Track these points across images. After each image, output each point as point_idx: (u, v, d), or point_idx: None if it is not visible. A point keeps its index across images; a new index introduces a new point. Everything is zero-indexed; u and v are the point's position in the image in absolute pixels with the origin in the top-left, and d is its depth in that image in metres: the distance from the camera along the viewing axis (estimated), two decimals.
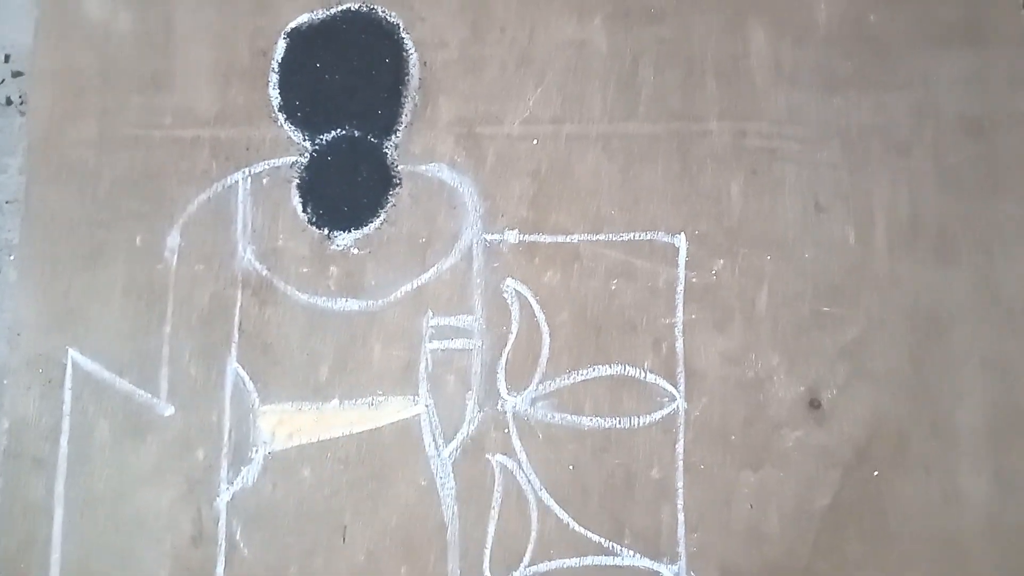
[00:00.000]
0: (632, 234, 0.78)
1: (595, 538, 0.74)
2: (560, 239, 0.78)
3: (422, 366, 0.76)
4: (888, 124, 0.79)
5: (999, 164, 0.78)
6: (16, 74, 0.84)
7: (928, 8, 0.80)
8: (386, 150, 0.80)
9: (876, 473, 0.74)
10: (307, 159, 0.80)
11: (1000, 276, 0.76)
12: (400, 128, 0.80)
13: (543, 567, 0.73)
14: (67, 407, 0.77)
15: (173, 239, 0.79)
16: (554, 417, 0.76)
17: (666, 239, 0.78)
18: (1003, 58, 0.79)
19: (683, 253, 0.77)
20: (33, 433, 0.76)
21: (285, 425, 0.76)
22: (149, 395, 0.77)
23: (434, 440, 0.75)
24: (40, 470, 0.76)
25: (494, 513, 0.74)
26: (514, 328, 0.77)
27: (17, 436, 0.76)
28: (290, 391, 0.77)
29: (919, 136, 0.78)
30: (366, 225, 0.79)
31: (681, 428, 0.75)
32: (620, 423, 0.75)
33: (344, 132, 0.80)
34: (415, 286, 0.78)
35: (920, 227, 0.77)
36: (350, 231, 0.79)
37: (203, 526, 0.75)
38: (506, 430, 0.75)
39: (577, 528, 0.74)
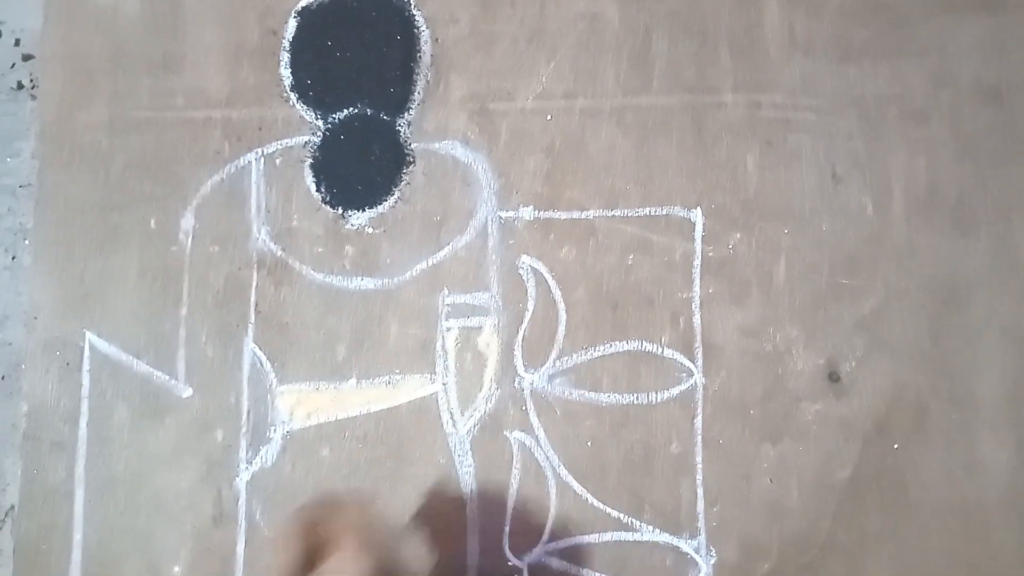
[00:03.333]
0: (648, 209, 0.77)
1: (615, 514, 0.74)
2: (575, 215, 0.77)
3: (438, 344, 0.76)
4: (904, 93, 0.78)
5: (1017, 131, 0.77)
6: (27, 58, 0.83)
7: None
8: (399, 128, 0.79)
9: (896, 445, 0.73)
10: (320, 138, 0.79)
11: (1019, 244, 0.75)
12: (413, 106, 0.79)
13: (563, 543, 0.73)
14: (86, 390, 0.76)
15: (187, 221, 0.79)
16: (572, 393, 0.75)
17: (682, 213, 0.77)
18: (1020, 24, 0.78)
19: (699, 227, 0.77)
20: (52, 416, 0.76)
21: (303, 405, 0.76)
22: (167, 377, 0.77)
23: (452, 418, 0.75)
24: (60, 453, 0.76)
25: (513, 490, 0.74)
26: (530, 305, 0.76)
27: (37, 419, 0.76)
28: (307, 371, 0.76)
29: (936, 104, 0.77)
30: (380, 204, 0.78)
31: (699, 403, 0.75)
32: (638, 398, 0.75)
33: (356, 110, 0.79)
34: (430, 264, 0.77)
35: (938, 196, 0.76)
36: (364, 210, 0.78)
37: (223, 506, 0.75)
38: (524, 407, 0.75)
39: (596, 504, 0.74)
